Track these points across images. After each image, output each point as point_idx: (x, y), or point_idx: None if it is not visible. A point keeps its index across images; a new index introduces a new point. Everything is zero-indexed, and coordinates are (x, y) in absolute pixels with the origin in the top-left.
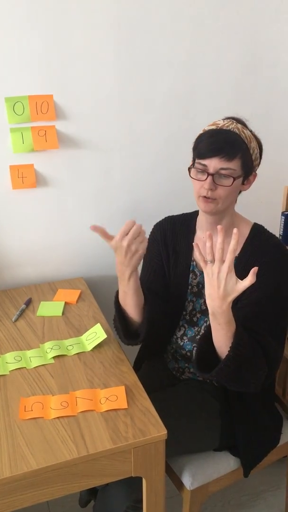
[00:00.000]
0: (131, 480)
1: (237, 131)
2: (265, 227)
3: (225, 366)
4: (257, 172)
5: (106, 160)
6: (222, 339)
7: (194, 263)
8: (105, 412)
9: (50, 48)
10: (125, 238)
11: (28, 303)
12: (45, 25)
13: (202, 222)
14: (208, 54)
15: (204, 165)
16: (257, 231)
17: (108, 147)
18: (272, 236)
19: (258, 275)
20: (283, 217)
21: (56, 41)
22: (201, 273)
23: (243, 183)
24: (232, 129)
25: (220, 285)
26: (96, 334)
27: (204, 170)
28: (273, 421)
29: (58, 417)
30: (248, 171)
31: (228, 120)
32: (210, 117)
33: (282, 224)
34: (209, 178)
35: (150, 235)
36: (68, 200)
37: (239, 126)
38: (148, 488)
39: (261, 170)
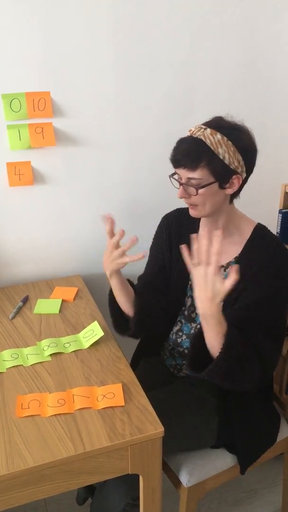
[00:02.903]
0: (129, 478)
1: (202, 138)
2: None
3: (216, 367)
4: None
5: (104, 157)
6: (213, 340)
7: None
8: (102, 410)
9: (47, 45)
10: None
11: (25, 300)
12: (43, 21)
13: (203, 219)
14: (207, 53)
15: (178, 174)
16: (260, 231)
17: (106, 144)
18: (274, 237)
19: (256, 276)
20: (281, 215)
21: (54, 38)
22: None
23: (223, 188)
24: (197, 136)
25: (208, 287)
26: (93, 331)
27: (178, 179)
28: (271, 419)
29: (55, 415)
30: (223, 176)
31: (200, 126)
32: (209, 116)
33: (280, 222)
34: (181, 187)
35: (158, 227)
36: (66, 198)
37: (208, 132)
38: (145, 485)
39: (259, 168)
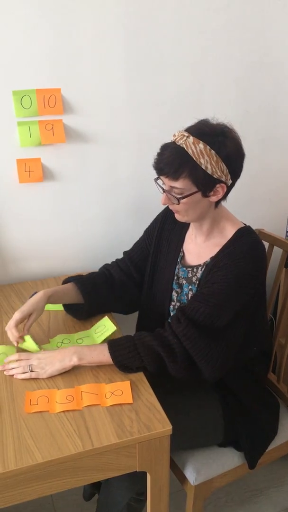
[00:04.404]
0: (133, 473)
1: (184, 147)
2: (272, 225)
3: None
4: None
5: (113, 154)
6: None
7: (182, 254)
8: (110, 407)
9: (58, 42)
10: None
11: None
12: (54, 18)
13: None
14: (216, 51)
15: (161, 180)
16: (241, 234)
17: (115, 141)
18: (254, 240)
19: (226, 264)
20: None
21: (64, 35)
22: (183, 266)
23: (206, 196)
24: (180, 145)
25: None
26: (105, 326)
27: (161, 185)
28: (269, 410)
29: (63, 411)
30: (206, 185)
31: (183, 133)
32: (217, 114)
33: None
34: (164, 194)
35: (159, 213)
36: (75, 195)
37: (190, 140)
38: (152, 483)
39: (269, 167)
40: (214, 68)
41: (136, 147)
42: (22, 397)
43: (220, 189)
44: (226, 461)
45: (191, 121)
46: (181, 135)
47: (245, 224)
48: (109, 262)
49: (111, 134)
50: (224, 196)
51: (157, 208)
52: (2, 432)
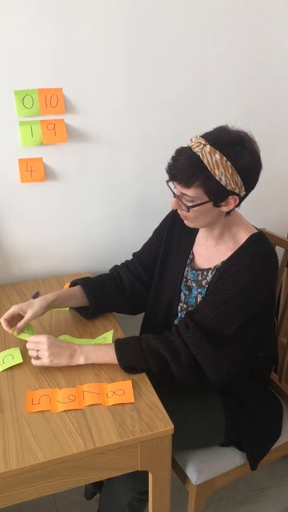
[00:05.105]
0: (135, 473)
1: (200, 156)
2: (274, 225)
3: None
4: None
5: (115, 154)
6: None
7: (192, 256)
8: (112, 406)
9: (60, 41)
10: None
11: (36, 296)
12: (55, 18)
13: None
14: (217, 51)
15: (174, 184)
16: (254, 240)
17: (117, 141)
18: (267, 247)
19: (237, 272)
20: None
21: (66, 35)
22: (192, 269)
23: (218, 206)
24: (196, 152)
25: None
26: (105, 339)
27: (173, 189)
28: (272, 412)
29: (65, 411)
30: (218, 196)
31: (200, 141)
32: (219, 113)
33: None
34: (175, 198)
35: (167, 215)
36: (77, 194)
37: (207, 149)
38: (154, 482)
39: (271, 166)
40: (215, 68)
41: (137, 146)
42: (24, 396)
43: (232, 200)
44: (227, 460)
45: (191, 121)
46: (198, 142)
47: (258, 229)
48: (111, 262)
49: (112, 134)
50: (237, 205)
51: (160, 208)
52: (4, 432)
